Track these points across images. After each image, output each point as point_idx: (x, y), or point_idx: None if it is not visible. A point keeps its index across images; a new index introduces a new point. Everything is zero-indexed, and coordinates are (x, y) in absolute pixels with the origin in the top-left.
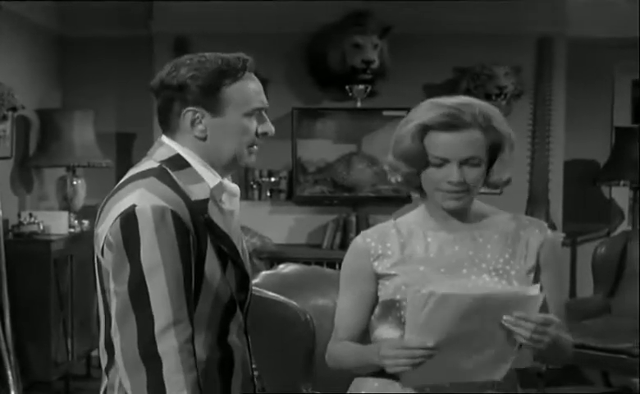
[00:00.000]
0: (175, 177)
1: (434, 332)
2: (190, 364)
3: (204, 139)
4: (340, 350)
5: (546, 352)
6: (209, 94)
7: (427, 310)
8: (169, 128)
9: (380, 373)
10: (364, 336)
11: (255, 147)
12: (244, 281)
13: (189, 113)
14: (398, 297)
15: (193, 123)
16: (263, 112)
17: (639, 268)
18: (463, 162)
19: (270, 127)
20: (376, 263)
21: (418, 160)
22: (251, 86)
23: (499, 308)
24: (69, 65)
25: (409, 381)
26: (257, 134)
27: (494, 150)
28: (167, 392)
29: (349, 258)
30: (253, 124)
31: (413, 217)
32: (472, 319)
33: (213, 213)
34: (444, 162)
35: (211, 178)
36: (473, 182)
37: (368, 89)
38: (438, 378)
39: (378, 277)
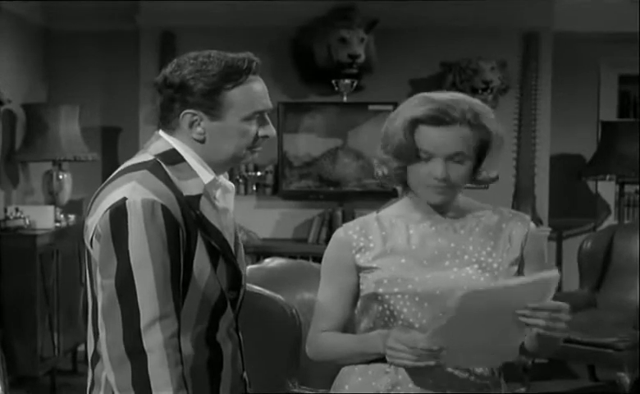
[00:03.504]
0: (168, 172)
1: (452, 330)
2: (176, 359)
3: (202, 141)
4: (329, 339)
5: (544, 342)
6: (209, 98)
7: (453, 309)
8: (168, 125)
9: (365, 369)
10: (348, 329)
11: (256, 148)
12: (236, 278)
13: (187, 115)
14: (380, 290)
15: (191, 125)
16: (265, 115)
17: (625, 263)
18: (448, 158)
19: (271, 130)
20: (357, 256)
21: (408, 155)
22: (254, 89)
23: (521, 296)
24: (55, 59)
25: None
26: (257, 137)
27: (483, 148)
28: (152, 387)
29: (331, 250)
30: (252, 127)
31: (395, 210)
32: (492, 312)
33: (206, 209)
34: (430, 156)
35: (205, 174)
36: (457, 179)
37: (354, 84)
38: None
39: (359, 270)
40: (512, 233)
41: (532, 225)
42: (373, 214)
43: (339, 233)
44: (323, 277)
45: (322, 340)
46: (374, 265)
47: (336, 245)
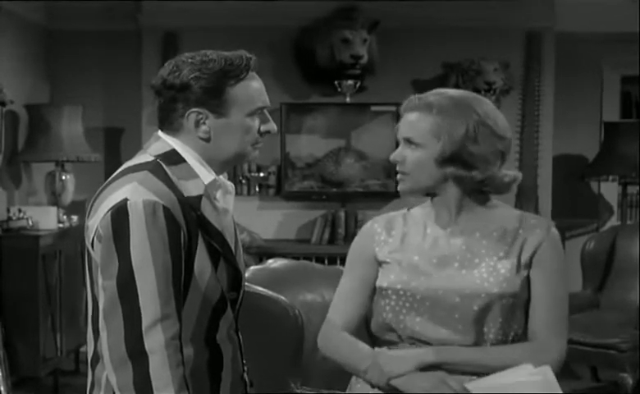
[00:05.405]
0: (169, 172)
1: None
2: (177, 360)
3: (207, 139)
4: (335, 340)
5: None
6: (213, 95)
7: None
8: (171, 127)
9: None
10: (360, 324)
11: (259, 144)
12: (236, 279)
13: (192, 114)
14: (385, 284)
15: (197, 124)
16: (265, 111)
17: (627, 264)
18: (405, 142)
19: (272, 126)
20: (377, 249)
21: None
22: (254, 85)
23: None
24: (57, 59)
25: None
26: (259, 132)
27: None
28: (154, 388)
29: (356, 240)
30: (255, 123)
31: (421, 209)
32: None
33: (206, 209)
34: (397, 145)
35: (205, 175)
36: (410, 164)
37: (357, 85)
38: None
39: (379, 264)
40: (527, 239)
41: (554, 234)
42: (403, 210)
43: (367, 224)
44: (345, 267)
45: (333, 339)
46: (388, 259)
47: (361, 235)
